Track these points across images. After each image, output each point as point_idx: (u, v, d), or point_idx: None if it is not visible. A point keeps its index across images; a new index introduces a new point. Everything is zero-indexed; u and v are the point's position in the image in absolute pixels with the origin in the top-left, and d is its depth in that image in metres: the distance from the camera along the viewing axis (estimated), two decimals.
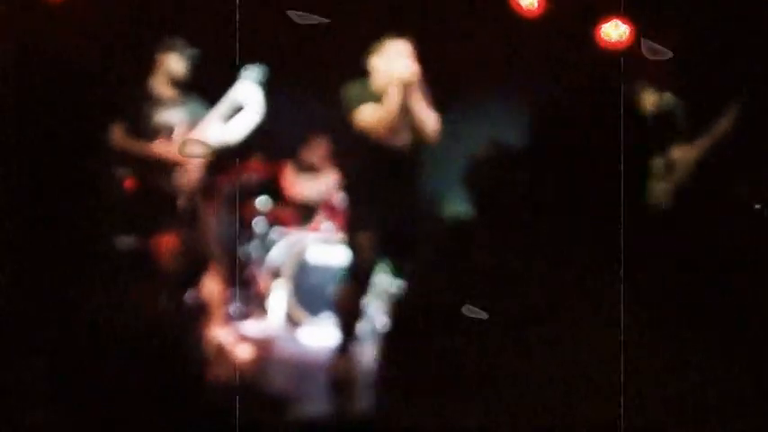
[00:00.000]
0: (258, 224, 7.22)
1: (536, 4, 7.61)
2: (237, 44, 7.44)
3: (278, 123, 7.52)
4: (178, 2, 7.18)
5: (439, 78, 5.57)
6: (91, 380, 2.12)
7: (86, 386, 2.12)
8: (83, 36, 7.05)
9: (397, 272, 6.74)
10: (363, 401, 5.08)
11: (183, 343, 3.20)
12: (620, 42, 7.80)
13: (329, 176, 7.85)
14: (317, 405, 4.85)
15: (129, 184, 5.81)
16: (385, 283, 6.75)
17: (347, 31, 7.67)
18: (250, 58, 5.73)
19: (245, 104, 5.55)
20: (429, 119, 5.26)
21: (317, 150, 7.75)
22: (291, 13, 4.77)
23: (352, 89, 5.27)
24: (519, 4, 7.64)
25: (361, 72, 5.43)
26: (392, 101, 5.08)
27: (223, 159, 6.81)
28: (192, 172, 5.51)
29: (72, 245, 6.43)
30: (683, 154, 6.09)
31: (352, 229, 5.41)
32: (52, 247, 6.24)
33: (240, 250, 7.27)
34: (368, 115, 5.16)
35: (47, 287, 5.85)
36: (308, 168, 7.82)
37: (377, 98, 5.19)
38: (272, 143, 7.37)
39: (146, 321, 5.04)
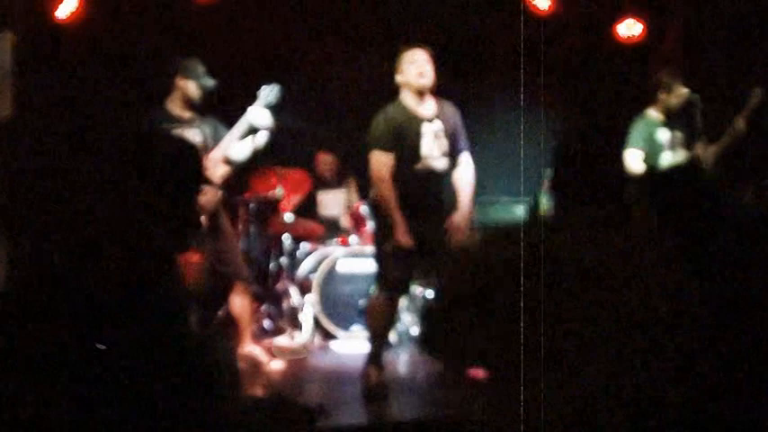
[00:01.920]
0: (286, 239, 7.24)
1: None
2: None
3: (298, 140, 7.60)
4: (193, 23, 7.26)
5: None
6: (118, 397, 2.12)
7: (114, 405, 2.12)
8: (97, 57, 7.14)
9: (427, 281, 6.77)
10: (396, 410, 5.08)
11: (214, 360, 3.19)
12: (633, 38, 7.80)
13: (351, 189, 7.88)
14: (350, 416, 4.84)
15: None
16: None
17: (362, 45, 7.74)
18: (265, 79, 5.79)
19: (258, 125, 5.58)
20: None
21: (332, 165, 7.80)
22: None
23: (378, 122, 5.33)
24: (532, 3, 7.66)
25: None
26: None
27: (245, 177, 6.87)
28: (214, 190, 5.53)
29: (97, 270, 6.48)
30: (704, 152, 6.06)
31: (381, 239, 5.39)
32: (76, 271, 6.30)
33: (270, 266, 7.30)
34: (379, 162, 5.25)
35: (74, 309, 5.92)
36: (329, 183, 7.85)
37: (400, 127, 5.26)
38: (292, 159, 7.42)
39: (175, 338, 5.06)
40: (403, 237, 5.12)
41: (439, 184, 5.37)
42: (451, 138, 5.40)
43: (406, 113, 5.31)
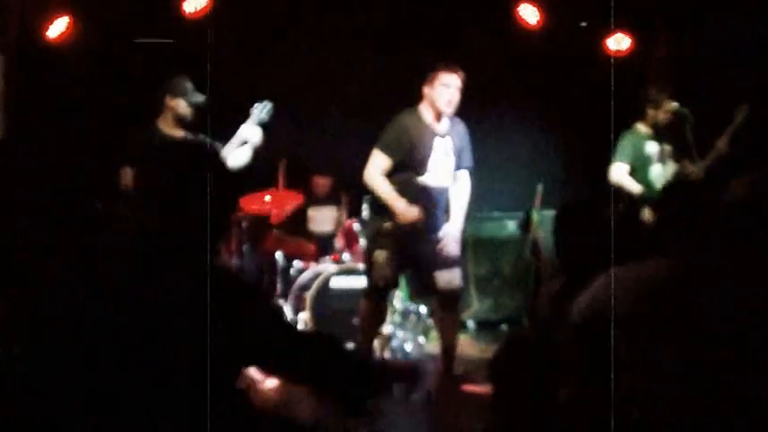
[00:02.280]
0: (279, 258, 7.23)
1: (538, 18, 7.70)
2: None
3: (289, 157, 7.60)
4: (185, 42, 7.26)
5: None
6: (120, 410, 2.12)
7: (116, 417, 2.12)
8: (89, 78, 7.14)
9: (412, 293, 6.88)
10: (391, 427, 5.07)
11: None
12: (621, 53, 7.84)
13: (341, 207, 7.89)
14: None
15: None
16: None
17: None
18: (258, 97, 5.81)
19: (250, 142, 5.60)
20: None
21: (326, 183, 7.80)
22: None
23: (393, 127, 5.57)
24: (523, 18, 7.71)
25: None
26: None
27: (237, 194, 6.85)
28: None
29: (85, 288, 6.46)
30: (693, 166, 6.09)
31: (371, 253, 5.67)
32: (72, 293, 6.28)
33: (263, 284, 7.30)
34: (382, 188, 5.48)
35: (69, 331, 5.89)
36: (320, 201, 7.85)
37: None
38: (286, 177, 7.42)
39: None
40: (405, 210, 5.35)
41: (440, 197, 5.60)
42: (458, 155, 5.62)
43: (421, 125, 5.52)
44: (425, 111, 5.57)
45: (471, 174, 5.84)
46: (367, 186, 5.61)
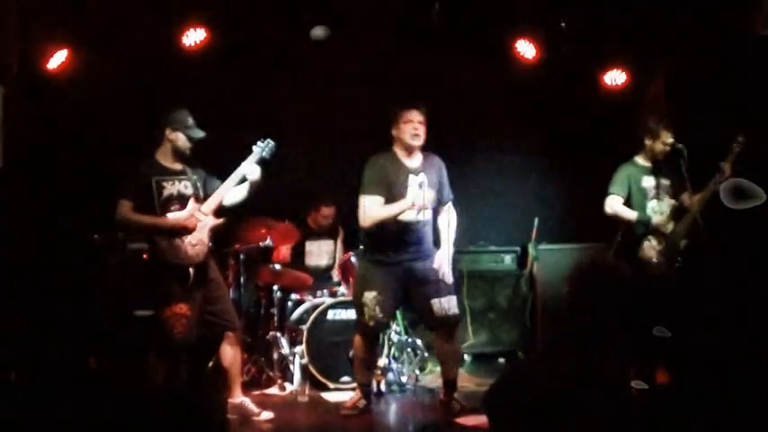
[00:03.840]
0: (276, 290, 7.23)
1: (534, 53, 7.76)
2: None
3: (287, 190, 7.63)
4: (182, 77, 7.30)
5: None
6: None
7: None
8: (88, 109, 7.17)
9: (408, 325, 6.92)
10: None
11: (203, 410, 3.18)
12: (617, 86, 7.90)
13: (338, 240, 7.89)
14: None
15: (145, 256, 5.84)
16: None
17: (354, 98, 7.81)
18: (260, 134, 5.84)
19: (250, 179, 5.60)
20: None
21: (331, 213, 7.81)
22: None
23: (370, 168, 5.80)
24: (519, 53, 7.77)
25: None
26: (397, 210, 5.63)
27: (236, 227, 6.87)
28: (204, 241, 5.53)
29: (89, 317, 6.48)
30: (690, 200, 6.08)
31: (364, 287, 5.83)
32: (69, 320, 6.29)
33: (260, 316, 7.28)
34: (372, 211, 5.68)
35: (65, 358, 5.89)
36: (317, 234, 7.85)
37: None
38: (281, 210, 7.44)
39: (165, 389, 5.05)
40: (413, 199, 5.53)
41: (421, 231, 5.77)
42: (438, 189, 5.83)
43: (395, 164, 5.78)
44: (398, 150, 5.84)
45: (463, 206, 6.06)
46: (370, 229, 5.74)
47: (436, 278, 5.69)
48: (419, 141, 5.76)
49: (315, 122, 8.01)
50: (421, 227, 5.75)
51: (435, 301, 5.71)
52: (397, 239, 5.70)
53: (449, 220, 5.84)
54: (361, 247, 6.14)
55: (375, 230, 5.72)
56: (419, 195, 5.52)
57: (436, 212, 5.88)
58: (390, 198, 5.68)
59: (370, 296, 5.70)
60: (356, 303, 5.87)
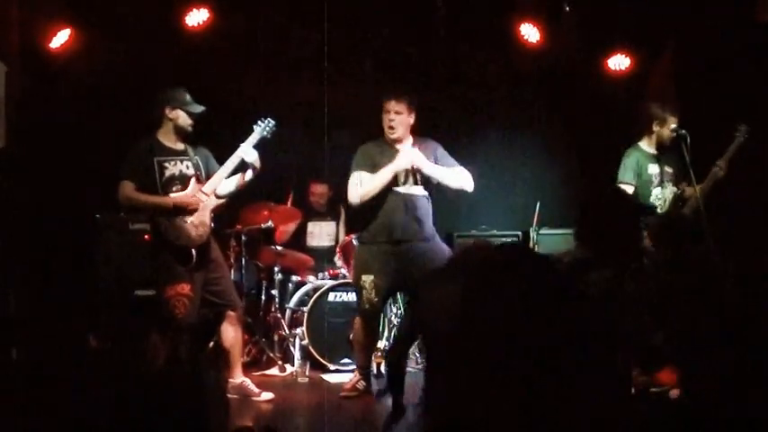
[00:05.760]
0: (277, 271, 7.24)
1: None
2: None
3: (287, 170, 7.62)
4: (185, 57, 7.29)
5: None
6: (109, 428, 2.12)
7: None
8: (90, 89, 7.16)
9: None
10: None
11: (203, 390, 3.19)
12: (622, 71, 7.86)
13: (340, 222, 7.89)
14: None
15: (147, 237, 5.84)
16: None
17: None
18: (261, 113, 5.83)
19: (248, 161, 5.60)
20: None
21: (323, 191, 7.81)
22: None
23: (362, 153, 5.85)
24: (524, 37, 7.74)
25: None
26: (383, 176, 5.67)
27: (237, 209, 6.87)
28: (206, 222, 5.54)
29: (90, 296, 6.49)
30: (690, 192, 6.06)
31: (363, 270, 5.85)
32: (70, 299, 6.30)
33: (261, 297, 7.29)
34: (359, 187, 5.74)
35: (65, 337, 5.90)
36: (319, 215, 7.86)
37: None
38: (282, 191, 7.44)
39: (165, 369, 5.06)
40: (403, 157, 5.65)
41: (418, 209, 5.76)
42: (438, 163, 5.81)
43: (383, 148, 5.82)
44: (387, 138, 5.84)
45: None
46: (360, 205, 5.79)
47: (440, 259, 5.61)
48: (394, 134, 5.77)
49: (313, 104, 7.98)
50: (417, 202, 5.74)
51: None
52: (394, 219, 5.70)
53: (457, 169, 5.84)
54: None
55: (371, 210, 5.75)
56: (407, 154, 5.61)
57: (433, 196, 5.88)
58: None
59: (368, 279, 5.72)
60: (355, 286, 5.93)
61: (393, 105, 5.72)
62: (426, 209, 5.82)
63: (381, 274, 5.72)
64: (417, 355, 6.96)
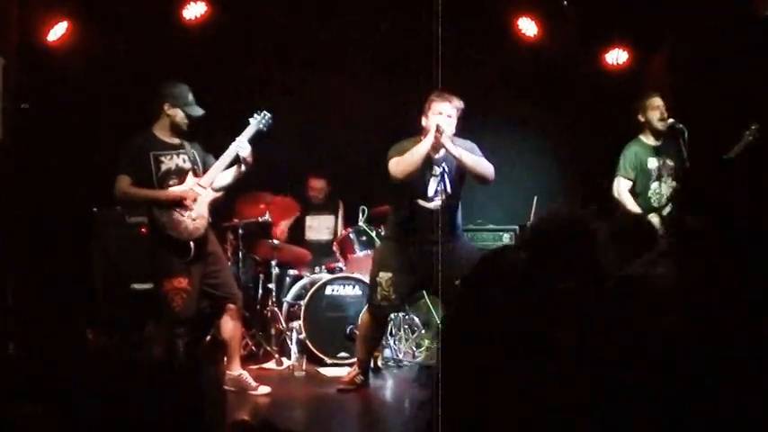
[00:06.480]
0: (274, 265, 7.23)
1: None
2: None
3: (285, 164, 7.61)
4: (182, 51, 7.28)
5: None
6: (108, 421, 2.13)
7: (103, 427, 2.13)
8: (87, 81, 7.15)
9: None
10: None
11: (200, 383, 3.19)
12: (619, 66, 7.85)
13: (338, 215, 7.89)
14: None
15: (144, 230, 5.86)
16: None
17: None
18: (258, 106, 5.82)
19: (243, 155, 5.57)
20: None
21: (321, 187, 7.81)
22: None
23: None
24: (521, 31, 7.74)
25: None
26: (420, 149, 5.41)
27: (235, 202, 6.87)
28: (204, 215, 5.53)
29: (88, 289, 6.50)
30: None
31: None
32: (68, 293, 6.31)
33: (258, 291, 7.29)
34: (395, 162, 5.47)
35: (64, 330, 5.91)
36: (317, 209, 7.86)
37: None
38: (280, 184, 7.43)
39: (162, 362, 5.06)
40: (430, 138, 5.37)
41: (438, 218, 5.50)
42: (460, 173, 5.61)
43: (417, 141, 5.50)
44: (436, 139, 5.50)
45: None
46: (399, 172, 5.45)
47: (466, 261, 5.30)
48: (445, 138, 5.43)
49: (312, 98, 7.98)
50: (435, 215, 5.52)
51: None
52: (419, 224, 5.55)
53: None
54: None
55: (397, 211, 5.68)
56: (442, 121, 5.36)
57: (460, 200, 5.75)
58: (408, 184, 5.49)
59: (385, 277, 5.63)
60: (371, 282, 5.80)
61: (447, 107, 5.45)
62: (454, 216, 5.70)
63: (402, 273, 5.62)
64: (414, 349, 6.98)
